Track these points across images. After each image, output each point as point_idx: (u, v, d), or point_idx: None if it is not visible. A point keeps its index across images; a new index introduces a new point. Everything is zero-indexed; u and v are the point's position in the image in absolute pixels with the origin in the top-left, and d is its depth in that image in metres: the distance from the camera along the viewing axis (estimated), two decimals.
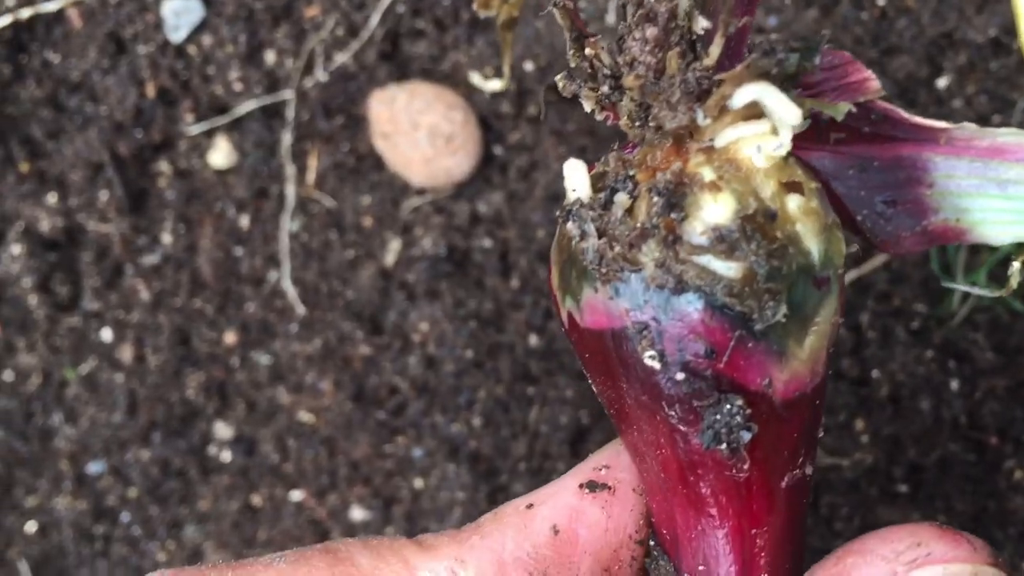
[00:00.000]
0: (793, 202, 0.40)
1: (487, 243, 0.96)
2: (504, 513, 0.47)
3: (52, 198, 1.05)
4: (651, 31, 0.40)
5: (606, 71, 0.42)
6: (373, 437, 0.99)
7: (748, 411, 0.40)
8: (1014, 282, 0.43)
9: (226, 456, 1.07)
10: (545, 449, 0.94)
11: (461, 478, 0.96)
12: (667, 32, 0.40)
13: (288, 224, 1.00)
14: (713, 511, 0.43)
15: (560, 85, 0.44)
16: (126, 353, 1.07)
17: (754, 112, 0.39)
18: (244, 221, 1.02)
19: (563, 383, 0.94)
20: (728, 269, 0.38)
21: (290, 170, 0.99)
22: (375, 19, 0.94)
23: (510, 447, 0.95)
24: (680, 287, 0.38)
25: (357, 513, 1.01)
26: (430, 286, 0.97)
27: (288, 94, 0.97)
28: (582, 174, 0.41)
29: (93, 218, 1.04)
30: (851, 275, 0.86)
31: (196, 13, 0.96)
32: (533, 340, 0.95)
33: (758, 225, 0.38)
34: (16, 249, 1.06)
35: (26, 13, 0.97)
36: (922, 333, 0.87)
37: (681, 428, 0.41)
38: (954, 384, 0.86)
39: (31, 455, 1.16)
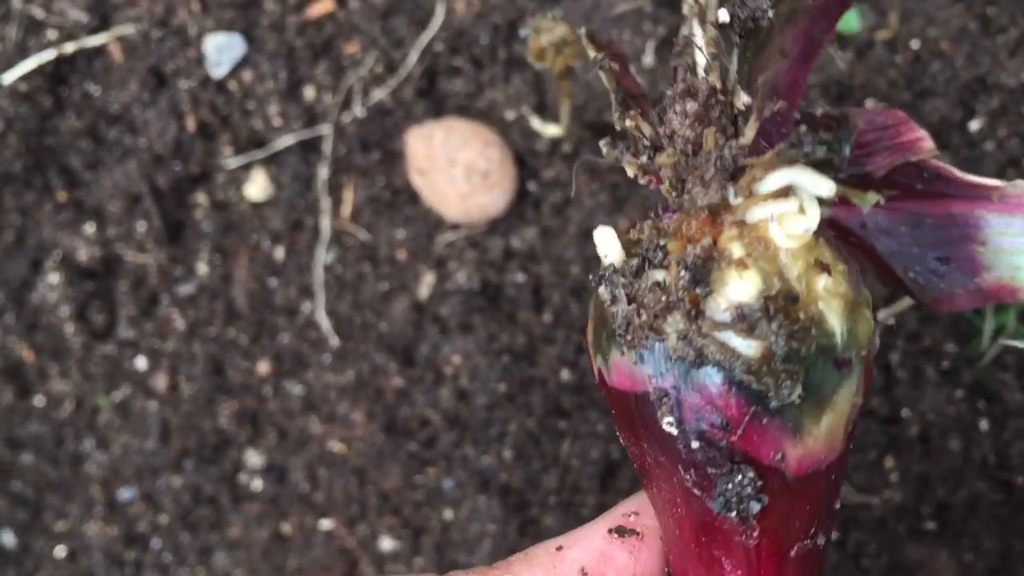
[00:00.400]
0: (820, 283, 0.40)
1: (520, 278, 0.97)
2: (534, 554, 0.48)
3: (90, 228, 1.06)
4: (691, 106, 0.41)
5: (646, 142, 0.42)
6: (404, 468, 1.00)
7: (759, 483, 0.41)
8: None
9: (257, 484, 1.08)
10: (576, 483, 0.95)
11: (491, 510, 0.97)
12: (707, 108, 0.41)
13: (323, 256, 1.01)
14: (722, 574, 0.44)
15: (604, 151, 0.45)
16: (160, 381, 1.09)
17: (784, 193, 0.40)
18: (279, 253, 1.03)
19: (594, 418, 0.95)
20: (747, 347, 0.39)
21: (326, 203, 1.00)
22: (413, 57, 0.96)
23: (541, 480, 0.96)
24: (700, 360, 0.40)
25: (386, 543, 1.02)
26: (463, 320, 0.98)
27: (326, 129, 0.98)
28: (613, 241, 0.42)
29: (130, 248, 1.06)
30: (881, 315, 0.87)
31: (238, 49, 0.97)
32: (565, 375, 0.96)
33: (780, 306, 0.39)
34: (54, 278, 1.08)
35: (70, 48, 0.99)
36: (952, 373, 0.88)
37: (695, 492, 0.42)
38: (983, 424, 0.87)
39: (62, 480, 1.17)
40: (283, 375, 1.05)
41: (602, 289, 0.42)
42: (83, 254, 1.06)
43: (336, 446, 1.04)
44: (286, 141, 0.99)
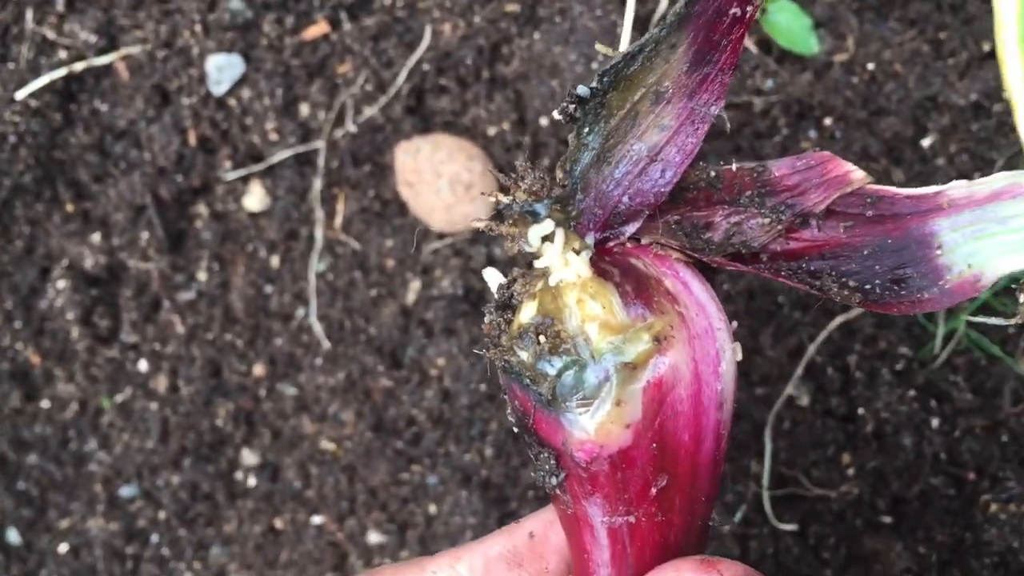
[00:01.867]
0: (586, 310, 0.49)
1: None
2: (497, 530, 0.60)
3: (96, 237, 1.11)
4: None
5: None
6: (391, 465, 1.05)
7: (554, 462, 0.51)
8: None
9: (252, 482, 1.12)
10: None
11: (473, 504, 1.02)
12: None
13: (316, 264, 1.07)
14: (565, 529, 0.55)
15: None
16: (161, 383, 1.13)
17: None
18: (275, 261, 1.09)
19: None
20: (524, 356, 0.49)
21: (319, 214, 1.06)
22: (402, 76, 1.01)
23: (519, 476, 1.01)
24: (506, 367, 0.50)
25: (374, 537, 1.07)
26: (447, 324, 1.03)
27: (319, 144, 1.04)
28: (496, 281, 0.54)
29: (134, 256, 1.11)
30: (838, 320, 0.92)
31: (237, 68, 1.03)
32: None
33: (547, 326, 0.49)
34: (61, 284, 1.13)
35: (79, 66, 1.04)
36: (905, 374, 0.92)
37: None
38: (935, 422, 0.91)
39: (65, 479, 1.21)
40: (277, 377, 1.10)
41: (487, 317, 0.53)
42: (89, 262, 1.12)
43: (327, 445, 1.08)
44: (282, 155, 1.05)
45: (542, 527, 0.59)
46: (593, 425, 0.49)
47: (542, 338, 0.49)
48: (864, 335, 0.93)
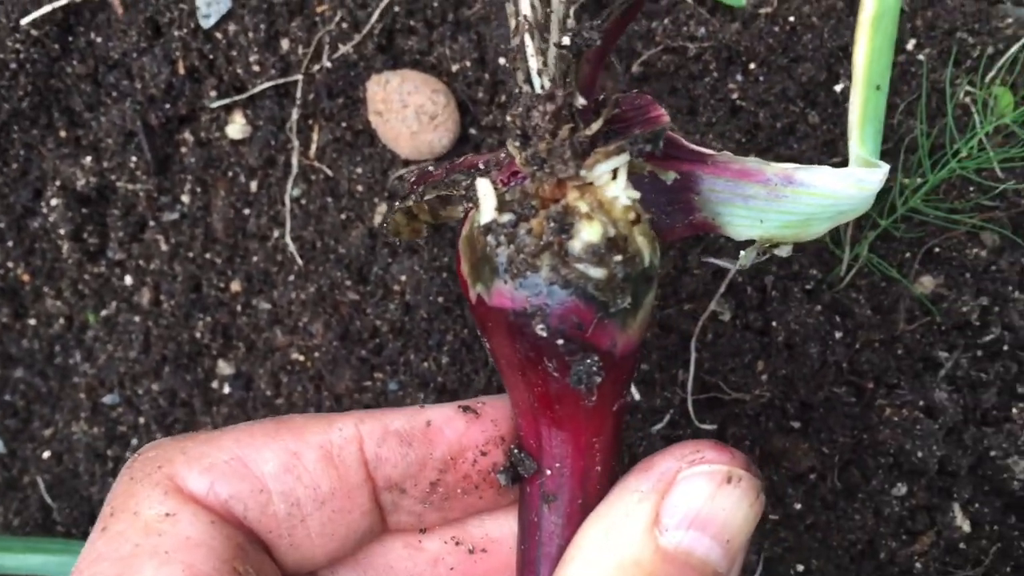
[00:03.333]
0: (636, 229, 0.56)
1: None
2: (405, 408, 0.68)
3: (88, 160, 1.20)
4: (551, 107, 0.58)
5: (518, 131, 0.59)
6: (355, 373, 1.15)
7: (600, 364, 0.57)
8: (746, 262, 0.61)
9: (226, 390, 1.22)
10: (500, 383, 1.10)
11: None
12: (560, 109, 0.58)
13: (291, 189, 1.16)
14: (570, 427, 0.62)
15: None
16: (144, 297, 1.23)
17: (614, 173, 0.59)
18: (253, 186, 1.18)
19: None
20: (597, 273, 0.55)
21: (295, 143, 1.15)
22: (375, 16, 1.11)
23: (472, 381, 1.11)
24: (566, 284, 0.54)
25: None
26: (410, 244, 1.13)
27: (298, 77, 1.13)
28: (491, 197, 0.58)
29: (123, 179, 1.20)
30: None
31: (225, 3, 1.12)
32: None
33: (616, 245, 0.55)
34: (54, 202, 1.22)
35: None
36: (814, 293, 1.03)
37: (555, 375, 0.59)
38: (838, 335, 1.02)
39: (50, 391, 1.30)
40: (253, 293, 1.19)
41: (489, 237, 0.57)
42: (81, 183, 1.20)
43: (297, 356, 1.18)
44: (263, 87, 1.14)
45: (440, 419, 0.66)
46: (637, 324, 0.57)
47: (614, 256, 0.54)
48: (779, 259, 1.04)
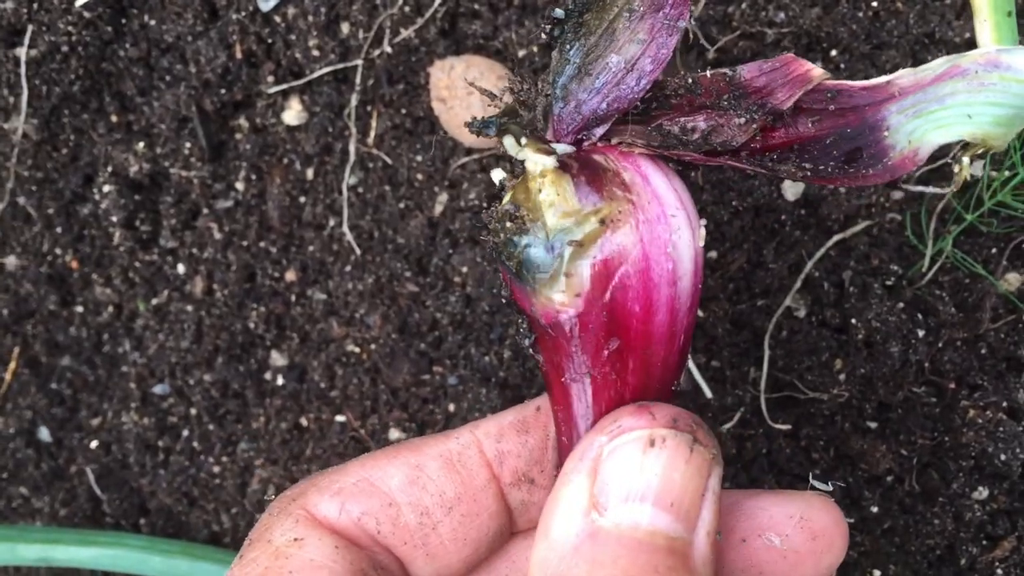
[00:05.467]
0: (542, 197, 0.56)
1: None
2: (512, 407, 0.70)
3: (140, 146, 1.18)
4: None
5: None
6: (413, 367, 1.12)
7: (526, 324, 0.60)
8: (960, 177, 0.57)
9: (280, 381, 1.19)
10: None
11: (490, 403, 1.09)
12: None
13: (348, 177, 1.13)
14: (547, 391, 0.63)
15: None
16: (197, 286, 1.20)
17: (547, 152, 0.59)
18: (309, 173, 1.15)
19: None
20: (498, 236, 0.57)
21: (353, 130, 1.12)
22: (438, 0, 1.08)
23: (535, 376, 1.08)
24: (492, 247, 0.58)
25: (395, 434, 1.14)
26: (472, 234, 1.10)
27: (358, 62, 1.10)
28: (497, 179, 0.62)
29: (176, 165, 1.18)
30: (836, 238, 1.00)
31: None
32: None
33: (514, 212, 0.57)
34: (106, 188, 1.19)
35: None
36: (895, 289, 1.00)
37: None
38: (920, 334, 0.99)
39: (97, 380, 1.28)
40: (308, 283, 1.17)
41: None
42: (133, 169, 1.18)
43: (352, 347, 1.16)
44: (321, 72, 1.11)
45: (547, 404, 0.67)
46: (550, 293, 0.56)
47: (510, 222, 0.56)
48: (858, 253, 1.00)
